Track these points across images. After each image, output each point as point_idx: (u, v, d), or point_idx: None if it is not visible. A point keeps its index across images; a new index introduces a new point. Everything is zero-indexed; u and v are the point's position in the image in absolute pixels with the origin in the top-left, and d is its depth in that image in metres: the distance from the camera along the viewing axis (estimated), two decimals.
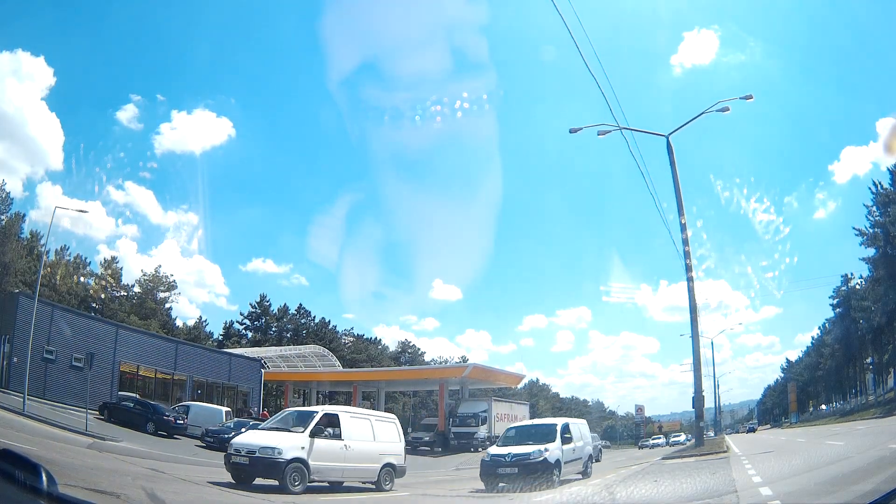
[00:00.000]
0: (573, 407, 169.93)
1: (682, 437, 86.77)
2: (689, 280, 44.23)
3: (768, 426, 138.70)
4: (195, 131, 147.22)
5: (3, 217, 77.10)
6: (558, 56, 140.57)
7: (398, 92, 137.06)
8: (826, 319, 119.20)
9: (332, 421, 25.10)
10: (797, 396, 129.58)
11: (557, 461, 27.61)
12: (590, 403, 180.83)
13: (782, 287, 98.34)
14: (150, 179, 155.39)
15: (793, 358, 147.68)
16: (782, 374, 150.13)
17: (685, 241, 44.49)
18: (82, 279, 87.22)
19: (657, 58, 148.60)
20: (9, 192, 79.48)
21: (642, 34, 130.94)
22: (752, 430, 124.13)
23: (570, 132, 45.13)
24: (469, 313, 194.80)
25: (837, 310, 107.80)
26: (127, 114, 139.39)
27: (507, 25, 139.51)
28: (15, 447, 16.14)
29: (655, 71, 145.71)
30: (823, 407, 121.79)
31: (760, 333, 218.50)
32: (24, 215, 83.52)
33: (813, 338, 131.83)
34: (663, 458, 43.66)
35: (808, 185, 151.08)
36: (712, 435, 78.03)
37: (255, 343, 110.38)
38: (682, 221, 44.73)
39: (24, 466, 4.82)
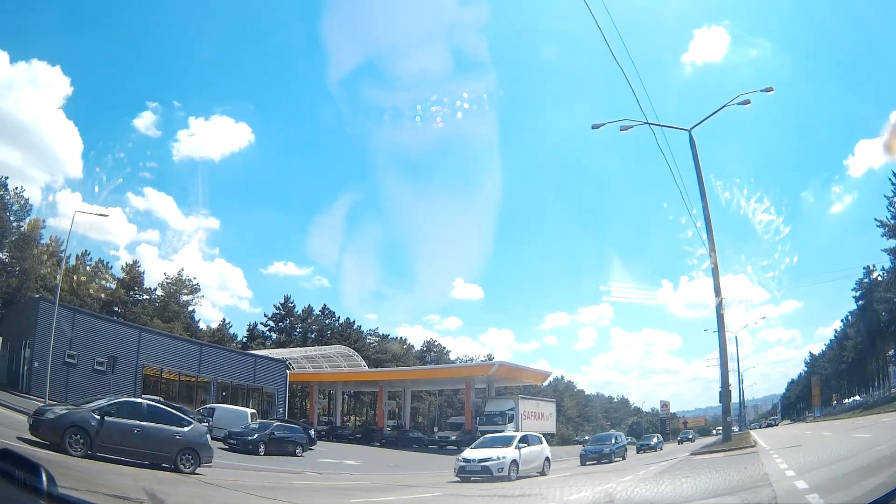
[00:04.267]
0: (598, 404, 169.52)
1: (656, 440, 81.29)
2: (715, 275, 43.71)
3: (788, 421, 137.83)
4: (213, 137, 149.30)
5: (22, 223, 77.14)
6: (559, 56, 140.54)
7: (398, 91, 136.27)
8: (848, 312, 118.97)
9: None
10: (820, 390, 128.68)
11: None
12: (615, 400, 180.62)
13: (782, 287, 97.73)
14: (170, 185, 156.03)
15: (815, 352, 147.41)
16: (805, 369, 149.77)
17: (709, 236, 43.93)
18: (104, 283, 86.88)
19: (668, 56, 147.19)
20: (27, 199, 79.65)
21: (652, 32, 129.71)
22: (772, 426, 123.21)
23: (593, 128, 45.16)
24: (491, 312, 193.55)
25: (860, 302, 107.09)
26: (144, 121, 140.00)
27: (508, 25, 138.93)
28: (17, 448, 15.58)
29: (667, 69, 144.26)
30: (847, 400, 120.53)
31: (782, 328, 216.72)
32: (44, 222, 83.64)
33: (835, 331, 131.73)
34: (692, 454, 43.72)
35: (823, 179, 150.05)
36: (737, 430, 77.86)
37: (279, 344, 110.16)
38: (707, 215, 44.27)
39: (24, 466, 4.78)
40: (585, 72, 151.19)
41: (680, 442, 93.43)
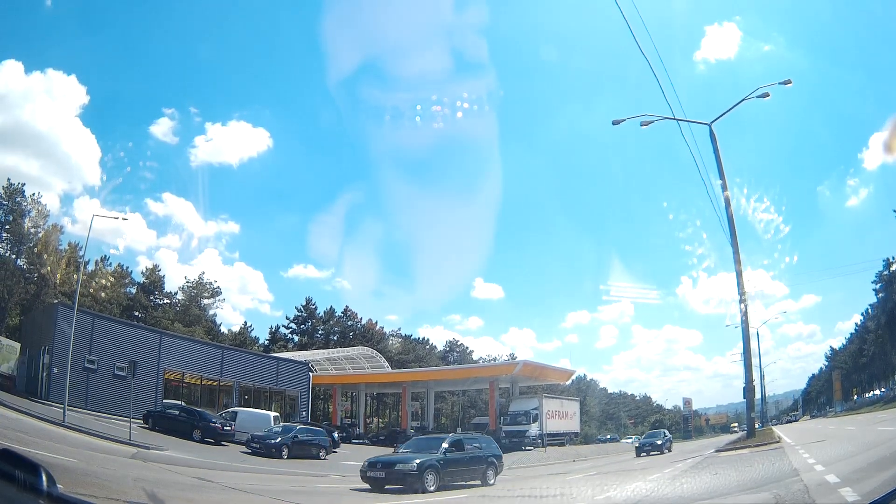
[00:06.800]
0: (621, 402, 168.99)
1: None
2: (738, 272, 43.45)
3: (807, 417, 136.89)
4: (231, 142, 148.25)
5: (39, 230, 77.46)
6: (559, 56, 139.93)
7: (398, 92, 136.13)
8: (869, 305, 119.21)
9: None
10: (841, 384, 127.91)
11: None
12: (637, 398, 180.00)
13: (799, 281, 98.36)
14: (189, 190, 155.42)
15: (835, 346, 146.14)
16: (826, 363, 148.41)
17: (732, 232, 43.66)
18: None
19: (681, 54, 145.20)
20: (45, 205, 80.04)
21: (664, 30, 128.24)
22: (792, 422, 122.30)
23: (613, 124, 45.72)
24: (512, 311, 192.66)
25: (880, 295, 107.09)
26: (161, 127, 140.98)
27: (507, 26, 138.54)
28: (16, 448, 15.30)
29: (680, 68, 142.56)
30: (867, 394, 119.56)
31: (801, 323, 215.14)
32: (62, 228, 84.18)
33: (856, 325, 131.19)
34: (716, 451, 43.39)
35: (839, 173, 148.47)
36: (758, 426, 77.15)
37: (301, 347, 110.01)
38: (730, 213, 44.15)
39: (24, 466, 4.70)
40: (585, 72, 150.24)
41: (641, 452, 59.61)
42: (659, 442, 62.45)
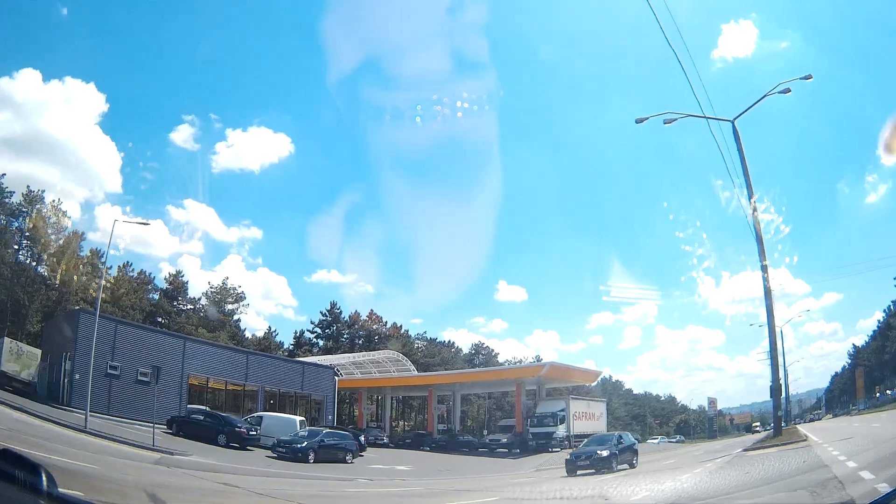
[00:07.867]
0: (646, 402, 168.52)
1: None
2: (764, 269, 43.04)
3: (830, 416, 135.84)
4: (252, 148, 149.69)
5: (60, 237, 77.67)
6: (559, 56, 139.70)
7: (399, 91, 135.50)
8: (891, 301, 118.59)
9: None
10: (864, 382, 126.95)
11: None
12: (662, 398, 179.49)
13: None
14: (211, 197, 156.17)
15: (858, 343, 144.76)
16: (849, 361, 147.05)
17: (757, 231, 43.16)
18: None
19: (698, 52, 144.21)
20: (65, 212, 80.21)
21: (682, 29, 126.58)
22: (815, 420, 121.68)
23: (637, 122, 46.26)
24: (536, 313, 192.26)
25: None
26: (181, 134, 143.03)
27: (508, 25, 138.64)
28: (16, 448, 14.93)
29: (697, 66, 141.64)
30: (889, 392, 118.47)
31: (823, 321, 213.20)
32: (83, 234, 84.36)
33: (878, 321, 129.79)
34: (744, 450, 43.01)
35: (857, 170, 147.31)
36: (783, 425, 76.54)
37: (326, 351, 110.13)
38: (752, 210, 43.60)
39: (24, 466, 4.59)
40: (587, 71, 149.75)
41: (574, 469, 38.55)
42: (604, 453, 39.00)
